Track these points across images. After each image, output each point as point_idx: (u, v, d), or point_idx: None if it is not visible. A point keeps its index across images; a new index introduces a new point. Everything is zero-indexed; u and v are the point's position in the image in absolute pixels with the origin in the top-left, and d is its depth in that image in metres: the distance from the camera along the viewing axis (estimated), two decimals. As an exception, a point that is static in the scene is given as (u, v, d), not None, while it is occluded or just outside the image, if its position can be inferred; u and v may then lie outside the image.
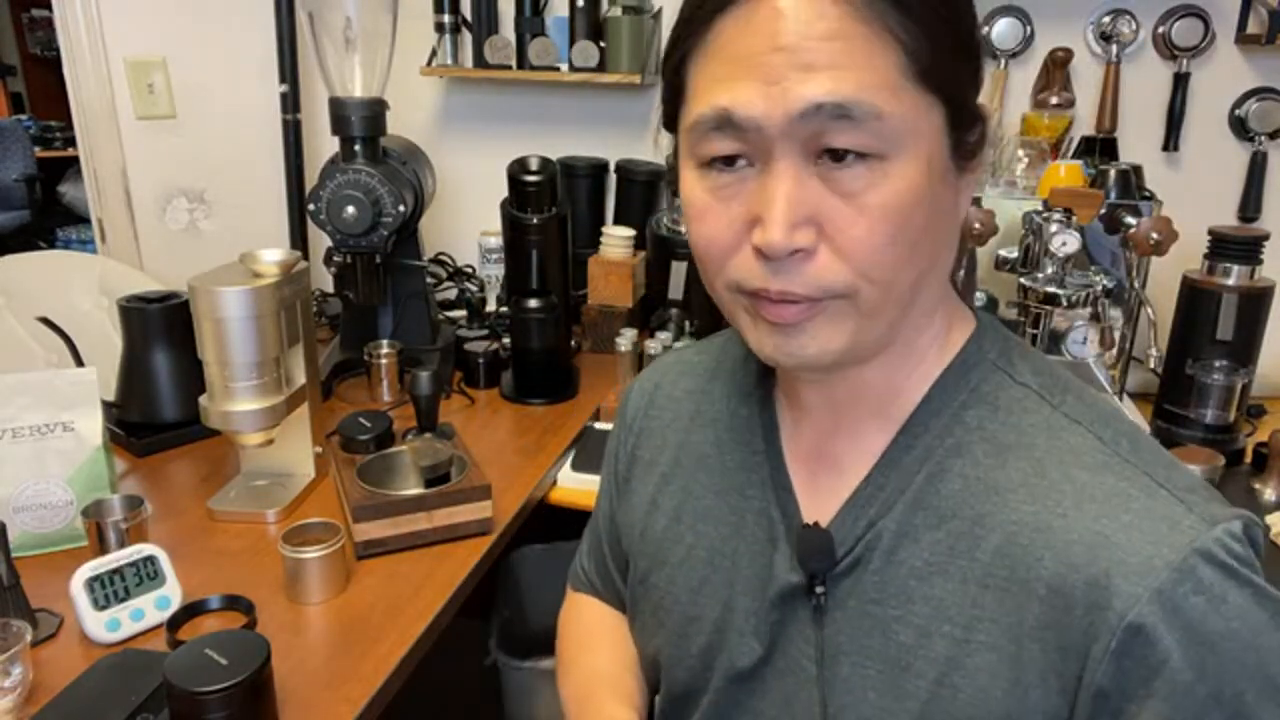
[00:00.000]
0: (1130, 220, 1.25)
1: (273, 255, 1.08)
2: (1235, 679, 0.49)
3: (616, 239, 1.71)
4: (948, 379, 0.58)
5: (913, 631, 0.56)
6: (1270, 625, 0.49)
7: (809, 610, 0.60)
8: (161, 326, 1.29)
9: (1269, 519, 1.18)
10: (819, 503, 0.62)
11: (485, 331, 1.66)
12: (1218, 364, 1.36)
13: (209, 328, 1.03)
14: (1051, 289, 1.23)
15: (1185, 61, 1.53)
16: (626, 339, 1.49)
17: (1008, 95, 1.61)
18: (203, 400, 1.08)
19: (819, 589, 0.59)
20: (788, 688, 0.62)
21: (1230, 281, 1.35)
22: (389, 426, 1.19)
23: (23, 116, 5.09)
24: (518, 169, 1.46)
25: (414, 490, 1.07)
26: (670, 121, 0.58)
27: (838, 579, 0.59)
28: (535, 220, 1.46)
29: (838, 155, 0.48)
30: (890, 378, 0.59)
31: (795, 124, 0.48)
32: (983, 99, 0.55)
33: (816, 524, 0.61)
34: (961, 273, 0.64)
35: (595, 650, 0.82)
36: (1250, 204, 1.56)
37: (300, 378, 1.14)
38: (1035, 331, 1.27)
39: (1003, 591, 0.53)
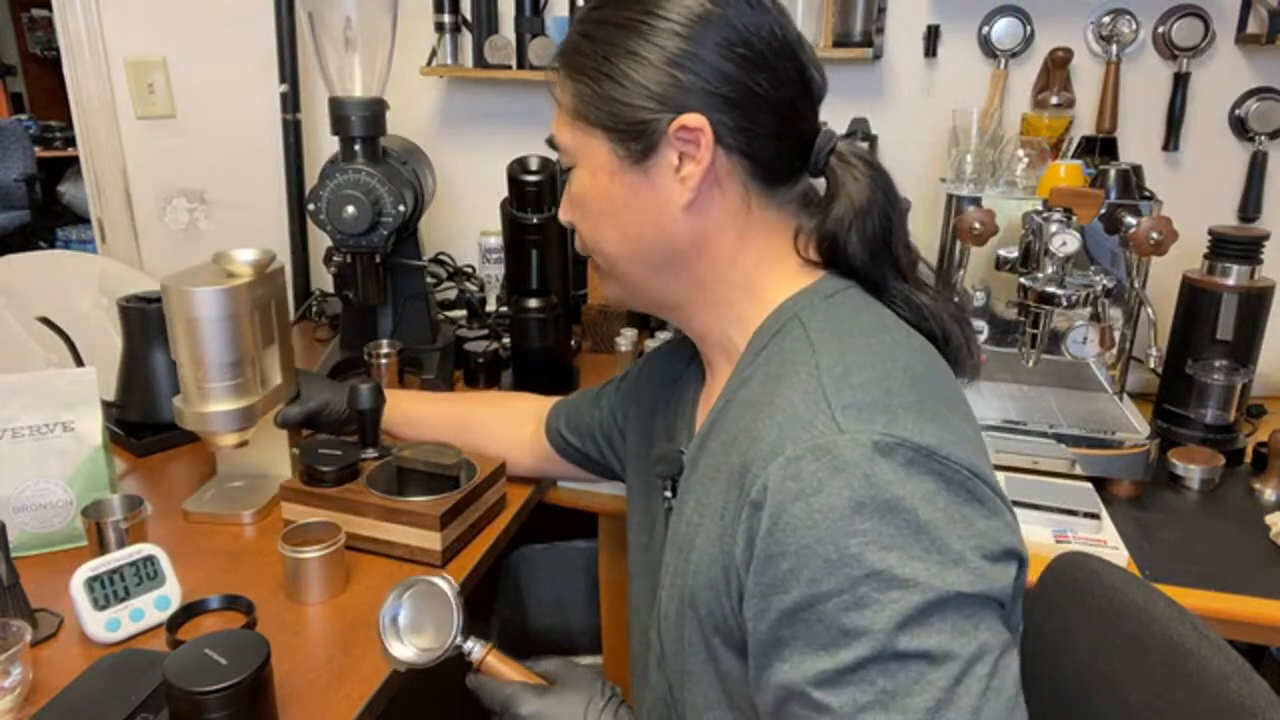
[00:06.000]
0: (1130, 220, 1.25)
1: (246, 255, 1.07)
2: (809, 565, 0.55)
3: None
4: (764, 327, 0.71)
5: (684, 521, 0.71)
6: (848, 526, 0.54)
7: (666, 510, 0.78)
8: (161, 326, 1.28)
9: (1268, 519, 1.18)
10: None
11: (485, 331, 1.66)
12: (1218, 364, 1.36)
13: (182, 327, 1.02)
14: (1051, 289, 1.23)
15: (1185, 61, 1.53)
16: (626, 339, 1.49)
17: (1008, 95, 1.61)
18: (176, 401, 1.06)
19: (667, 493, 0.78)
20: (657, 564, 0.78)
21: (1230, 281, 1.35)
22: (355, 461, 1.08)
23: (23, 116, 5.09)
24: (518, 169, 1.46)
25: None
26: None
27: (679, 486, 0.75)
28: (535, 220, 1.46)
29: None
30: (714, 326, 0.75)
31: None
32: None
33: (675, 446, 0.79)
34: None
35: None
36: (1250, 204, 1.56)
37: (276, 378, 1.13)
38: (1035, 331, 1.27)
39: (721, 484, 0.66)
